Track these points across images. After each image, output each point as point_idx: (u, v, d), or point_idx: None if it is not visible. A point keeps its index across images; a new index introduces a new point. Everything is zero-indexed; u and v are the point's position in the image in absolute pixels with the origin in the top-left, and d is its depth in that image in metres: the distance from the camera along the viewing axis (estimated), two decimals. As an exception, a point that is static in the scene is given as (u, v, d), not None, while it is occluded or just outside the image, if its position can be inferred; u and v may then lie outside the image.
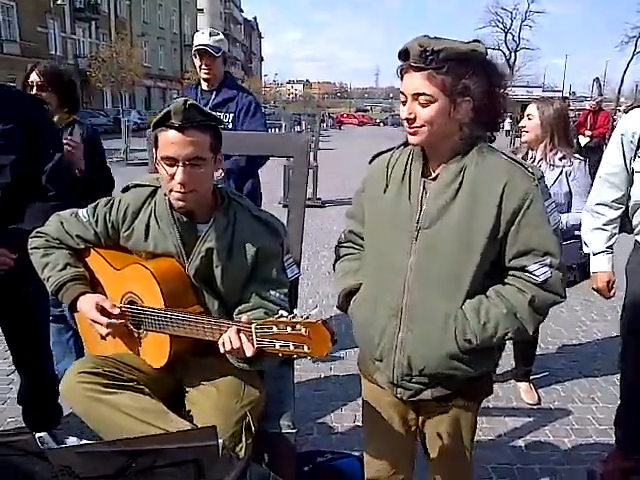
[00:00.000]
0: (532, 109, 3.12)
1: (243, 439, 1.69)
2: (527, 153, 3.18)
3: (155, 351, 1.80)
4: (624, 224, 2.43)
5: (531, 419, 3.26)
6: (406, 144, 1.65)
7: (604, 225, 2.41)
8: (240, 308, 1.80)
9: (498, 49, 71.45)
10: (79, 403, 1.64)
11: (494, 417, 3.23)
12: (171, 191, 1.71)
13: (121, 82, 33.75)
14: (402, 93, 1.53)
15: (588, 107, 10.87)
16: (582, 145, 9.93)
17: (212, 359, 1.74)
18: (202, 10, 64.05)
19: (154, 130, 1.70)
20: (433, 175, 1.58)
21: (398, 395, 1.70)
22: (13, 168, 2.24)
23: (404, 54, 1.49)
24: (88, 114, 31.03)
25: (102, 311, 1.78)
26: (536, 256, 1.52)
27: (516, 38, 71.11)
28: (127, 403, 1.62)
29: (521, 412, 3.33)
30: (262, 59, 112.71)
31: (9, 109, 2.25)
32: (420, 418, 1.78)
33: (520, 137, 3.25)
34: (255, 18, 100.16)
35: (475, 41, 1.49)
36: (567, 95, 52.42)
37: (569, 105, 14.55)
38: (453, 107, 1.48)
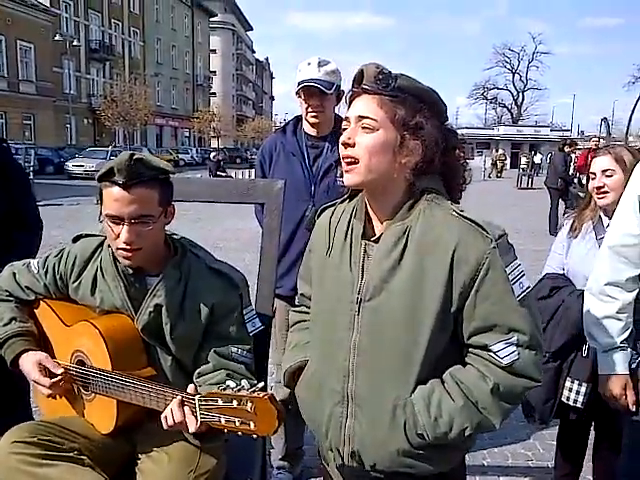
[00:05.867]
0: (608, 161, 2.24)
1: None
2: (600, 220, 2.30)
3: (103, 416, 1.68)
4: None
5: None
6: (351, 197, 1.48)
7: (618, 313, 1.87)
8: (200, 370, 1.67)
9: (506, 89, 72.42)
10: (11, 477, 1.51)
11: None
12: (117, 249, 1.61)
13: (130, 121, 34.24)
14: (346, 119, 1.34)
15: (589, 146, 10.91)
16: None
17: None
18: (215, 51, 65.55)
19: (99, 183, 1.59)
20: (376, 236, 1.36)
21: None
22: None
23: (358, 77, 1.34)
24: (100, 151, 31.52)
25: (45, 371, 1.67)
26: (499, 333, 1.27)
27: (524, 78, 71.84)
28: (63, 477, 1.48)
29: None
30: (273, 98, 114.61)
31: None
32: None
33: (576, 200, 2.49)
34: (267, 59, 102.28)
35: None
36: (576, 135, 52.76)
37: (577, 145, 14.39)
38: (400, 143, 1.29)
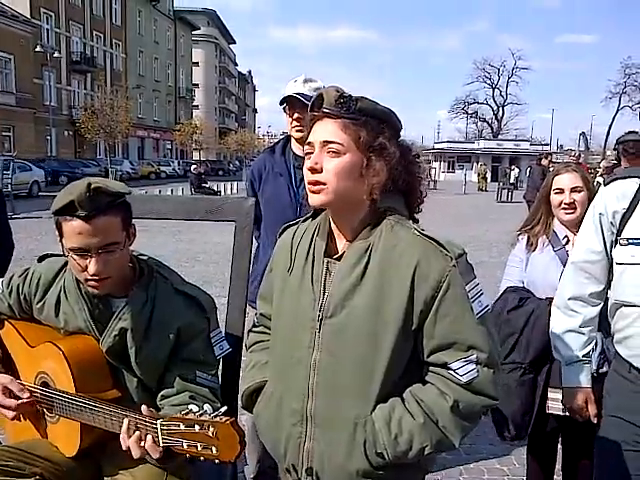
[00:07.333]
0: (576, 179, 2.35)
1: None
2: (555, 233, 2.42)
3: (66, 438, 1.65)
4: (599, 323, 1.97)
5: None
6: (314, 216, 1.48)
7: (581, 327, 1.91)
8: (163, 393, 1.65)
9: (486, 104, 73.39)
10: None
11: None
12: (86, 280, 1.58)
13: (112, 133, 33.91)
14: (309, 144, 1.35)
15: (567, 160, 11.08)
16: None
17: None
18: (197, 63, 65.56)
19: (55, 216, 1.54)
20: (339, 254, 1.37)
21: None
22: None
23: (318, 101, 1.34)
24: (80, 164, 31.25)
25: (10, 393, 1.63)
26: (458, 351, 1.29)
27: (504, 93, 72.87)
28: None
29: None
30: (256, 111, 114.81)
31: None
32: None
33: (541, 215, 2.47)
34: (249, 72, 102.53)
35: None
36: (555, 149, 53.56)
37: (552, 156, 14.69)
38: (366, 165, 1.30)
